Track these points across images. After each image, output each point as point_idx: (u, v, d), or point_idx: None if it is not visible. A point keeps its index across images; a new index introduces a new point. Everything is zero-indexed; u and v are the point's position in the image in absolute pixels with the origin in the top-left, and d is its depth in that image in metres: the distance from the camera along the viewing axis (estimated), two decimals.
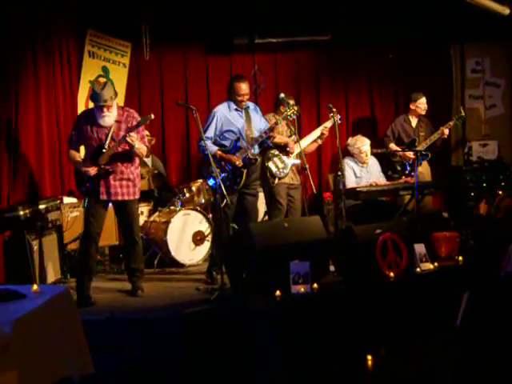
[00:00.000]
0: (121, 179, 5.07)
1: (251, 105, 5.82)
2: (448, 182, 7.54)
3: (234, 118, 5.65)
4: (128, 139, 4.89)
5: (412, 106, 7.27)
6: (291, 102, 6.21)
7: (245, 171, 5.52)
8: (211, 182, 5.48)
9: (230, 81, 5.78)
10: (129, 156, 5.11)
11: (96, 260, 5.46)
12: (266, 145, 5.78)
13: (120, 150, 5.06)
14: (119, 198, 5.09)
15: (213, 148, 5.51)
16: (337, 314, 4.38)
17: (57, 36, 6.66)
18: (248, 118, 5.69)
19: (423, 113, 7.26)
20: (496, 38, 7.98)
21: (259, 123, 5.75)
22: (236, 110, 5.68)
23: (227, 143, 5.60)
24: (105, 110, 4.97)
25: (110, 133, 5.03)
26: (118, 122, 5.08)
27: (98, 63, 7.32)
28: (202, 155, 5.71)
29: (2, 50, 5.90)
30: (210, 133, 5.60)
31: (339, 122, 6.02)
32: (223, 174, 5.44)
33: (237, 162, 5.46)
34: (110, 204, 5.23)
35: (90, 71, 7.01)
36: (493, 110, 8.28)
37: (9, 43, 5.98)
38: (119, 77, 7.61)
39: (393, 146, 7.16)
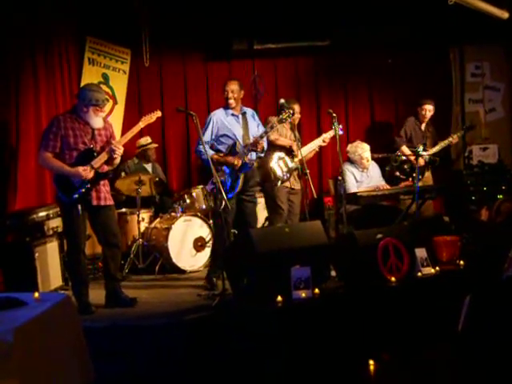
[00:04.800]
0: (104, 184, 5.00)
1: (249, 111, 5.82)
2: (448, 186, 7.54)
3: (230, 123, 5.64)
4: (115, 148, 4.84)
5: (418, 109, 7.41)
6: (296, 106, 6.23)
7: (242, 176, 5.51)
8: (210, 186, 5.50)
9: None
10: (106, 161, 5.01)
11: (86, 267, 5.21)
12: (256, 155, 5.73)
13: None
14: (108, 202, 5.01)
15: (209, 152, 5.52)
16: (338, 318, 4.38)
17: (57, 43, 6.68)
18: (245, 124, 5.69)
19: (424, 119, 7.37)
20: (495, 42, 8.01)
21: (256, 130, 5.73)
22: (233, 115, 5.68)
23: (223, 148, 5.59)
24: (98, 111, 4.88)
25: (96, 136, 4.93)
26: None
27: (98, 70, 7.34)
28: (200, 160, 5.72)
29: (2, 57, 5.92)
30: (207, 137, 5.60)
31: (340, 132, 6.00)
32: (221, 179, 5.43)
33: (235, 162, 5.43)
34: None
35: (89, 78, 7.01)
36: (493, 113, 8.30)
37: (9, 51, 6.01)
38: (119, 83, 7.63)
39: (405, 149, 7.20)
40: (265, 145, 5.69)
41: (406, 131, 7.40)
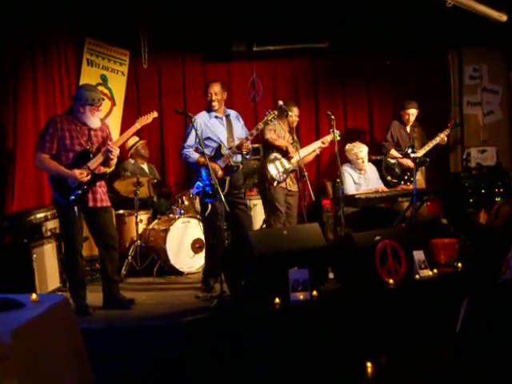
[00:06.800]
0: (100, 185, 5.00)
1: (232, 113, 5.78)
2: (446, 189, 7.54)
3: (213, 126, 5.59)
4: (111, 149, 4.85)
5: (402, 113, 7.33)
6: (294, 108, 6.27)
7: (228, 178, 5.50)
8: (194, 190, 5.50)
9: None
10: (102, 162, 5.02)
11: (84, 268, 5.23)
12: (243, 158, 5.69)
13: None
14: (104, 204, 5.01)
15: (194, 156, 5.51)
16: (336, 320, 4.38)
17: (55, 45, 6.68)
18: (229, 126, 5.64)
19: (408, 123, 7.30)
20: (493, 45, 8.02)
21: (240, 132, 5.70)
22: (216, 117, 5.64)
23: (208, 151, 5.50)
24: (95, 110, 4.89)
25: (92, 137, 4.94)
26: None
27: (97, 71, 7.34)
28: (186, 164, 5.73)
29: (0, 58, 5.92)
30: (191, 141, 5.57)
31: (338, 138, 6.01)
32: (207, 182, 5.42)
33: (219, 173, 5.42)
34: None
35: (88, 80, 7.00)
36: (491, 116, 8.32)
37: (7, 52, 6.00)
38: (118, 85, 7.62)
39: (394, 152, 7.18)
40: (250, 147, 5.63)
41: (391, 135, 7.34)
